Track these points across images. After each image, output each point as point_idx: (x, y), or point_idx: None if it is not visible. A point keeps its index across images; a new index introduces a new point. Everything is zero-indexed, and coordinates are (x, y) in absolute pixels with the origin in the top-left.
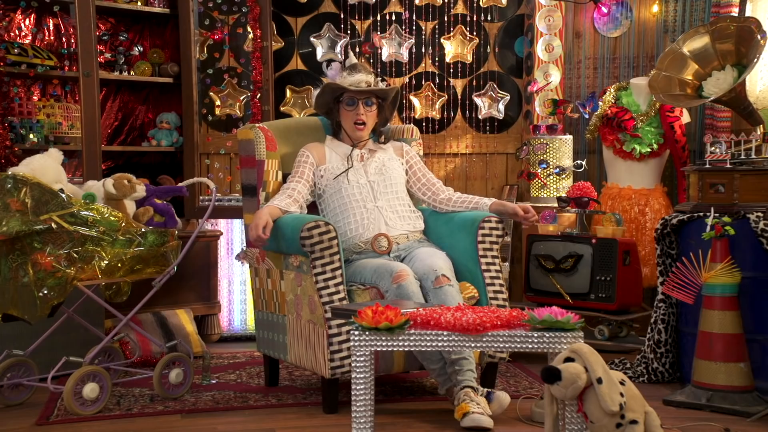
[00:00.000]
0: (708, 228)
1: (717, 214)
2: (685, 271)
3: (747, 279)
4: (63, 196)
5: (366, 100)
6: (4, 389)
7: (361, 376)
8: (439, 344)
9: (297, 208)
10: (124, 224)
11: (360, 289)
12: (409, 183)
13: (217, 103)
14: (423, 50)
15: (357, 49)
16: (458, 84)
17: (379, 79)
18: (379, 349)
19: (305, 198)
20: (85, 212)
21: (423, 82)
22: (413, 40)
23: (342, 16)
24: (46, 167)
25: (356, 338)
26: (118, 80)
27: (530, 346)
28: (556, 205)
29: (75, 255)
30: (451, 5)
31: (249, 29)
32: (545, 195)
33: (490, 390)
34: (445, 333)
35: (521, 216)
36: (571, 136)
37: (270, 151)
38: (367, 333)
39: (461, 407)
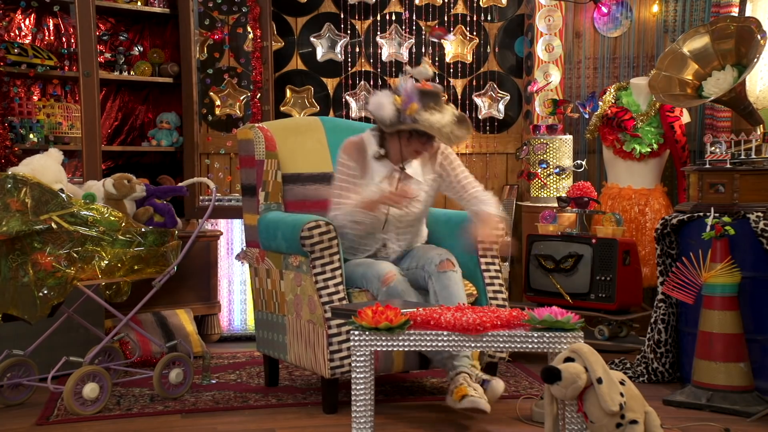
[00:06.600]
0: (708, 228)
1: (717, 214)
2: (685, 271)
3: (747, 279)
4: (63, 196)
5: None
6: (4, 389)
7: (361, 376)
8: (439, 344)
9: None
10: (124, 224)
11: (357, 291)
12: (443, 189)
13: (217, 103)
14: (423, 50)
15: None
16: (458, 84)
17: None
18: (379, 349)
19: None
20: (85, 212)
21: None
22: (413, 40)
23: (342, 16)
24: (46, 167)
25: (356, 338)
26: (118, 80)
27: (530, 346)
28: (556, 205)
29: (75, 255)
30: (451, 5)
31: (249, 29)
32: (545, 195)
33: (485, 378)
34: (445, 333)
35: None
36: (571, 136)
37: (269, 151)
38: (367, 333)
39: (459, 390)
